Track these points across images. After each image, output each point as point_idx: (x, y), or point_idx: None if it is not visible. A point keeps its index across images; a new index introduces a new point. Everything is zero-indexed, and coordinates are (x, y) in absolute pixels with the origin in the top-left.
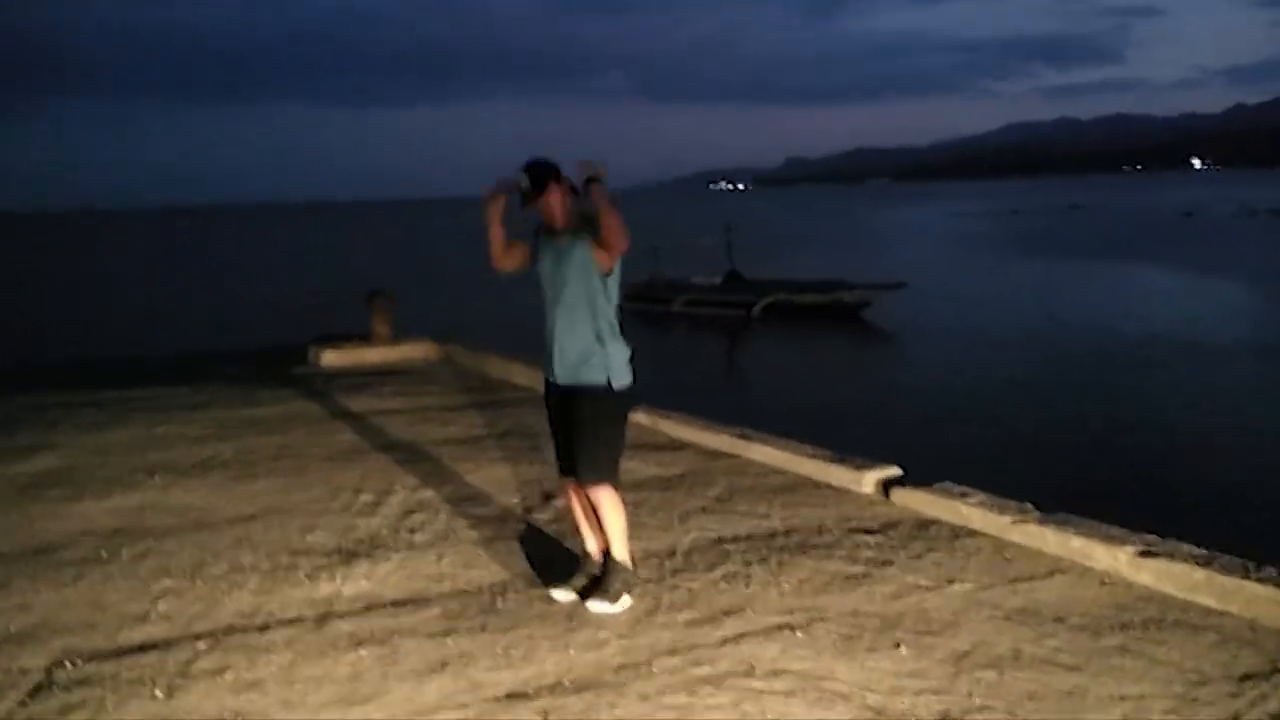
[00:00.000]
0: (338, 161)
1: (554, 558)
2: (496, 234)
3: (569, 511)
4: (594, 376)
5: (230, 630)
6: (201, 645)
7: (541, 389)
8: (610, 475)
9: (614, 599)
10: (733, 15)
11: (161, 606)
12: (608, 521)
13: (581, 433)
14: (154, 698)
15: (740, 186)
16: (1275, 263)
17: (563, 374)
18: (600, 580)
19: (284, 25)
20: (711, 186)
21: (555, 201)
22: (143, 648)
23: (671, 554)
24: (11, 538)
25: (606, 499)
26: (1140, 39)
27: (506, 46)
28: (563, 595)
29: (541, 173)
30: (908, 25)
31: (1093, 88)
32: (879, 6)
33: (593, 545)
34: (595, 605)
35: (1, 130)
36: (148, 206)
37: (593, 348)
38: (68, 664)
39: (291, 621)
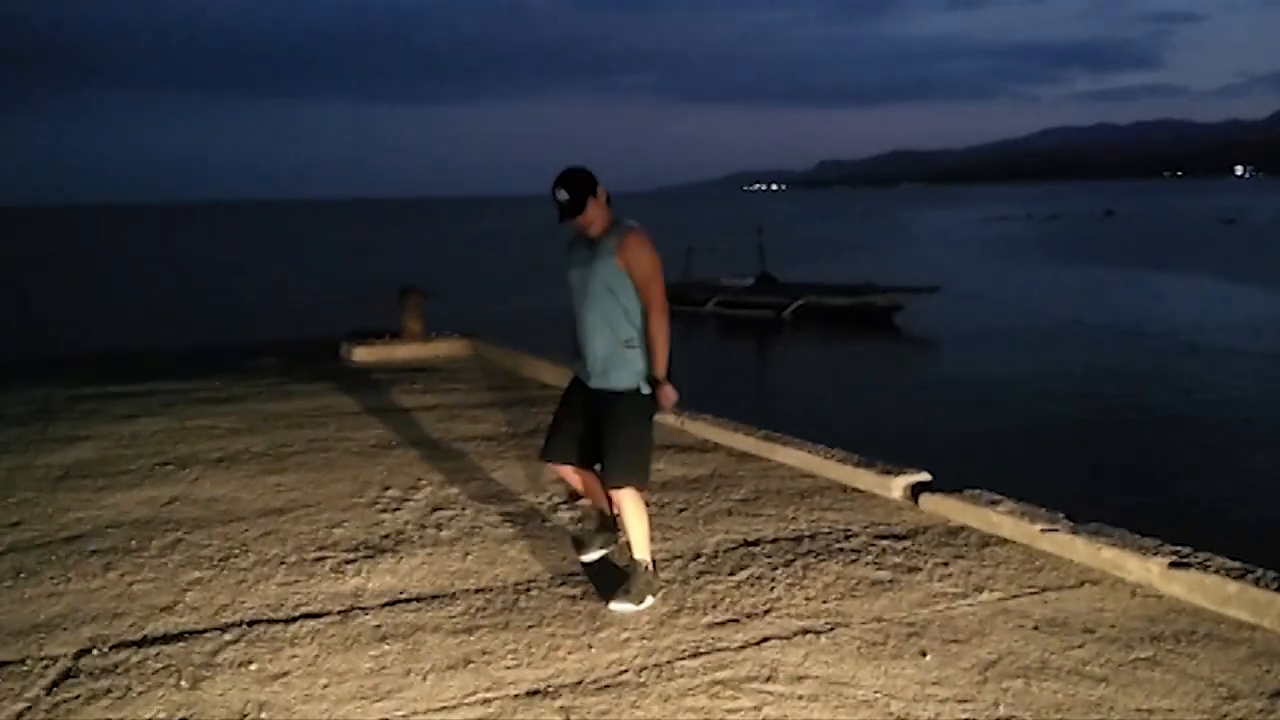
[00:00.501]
0: (369, 159)
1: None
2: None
3: (571, 493)
4: (625, 381)
5: (256, 622)
6: (227, 636)
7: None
8: (640, 478)
9: (638, 599)
10: (766, 15)
11: (189, 597)
12: (629, 523)
13: (613, 436)
14: (178, 688)
15: (775, 188)
16: None
17: (594, 377)
18: (623, 581)
19: (316, 22)
20: (746, 189)
21: (594, 216)
22: (169, 638)
23: (696, 555)
24: (44, 527)
25: (630, 501)
26: (1180, 44)
27: (537, 44)
28: (592, 556)
29: (582, 191)
30: (945, 29)
31: (1132, 93)
32: (916, 10)
33: (605, 506)
34: (618, 605)
35: (25, 122)
36: (182, 201)
37: (621, 353)
38: (94, 652)
39: (317, 615)
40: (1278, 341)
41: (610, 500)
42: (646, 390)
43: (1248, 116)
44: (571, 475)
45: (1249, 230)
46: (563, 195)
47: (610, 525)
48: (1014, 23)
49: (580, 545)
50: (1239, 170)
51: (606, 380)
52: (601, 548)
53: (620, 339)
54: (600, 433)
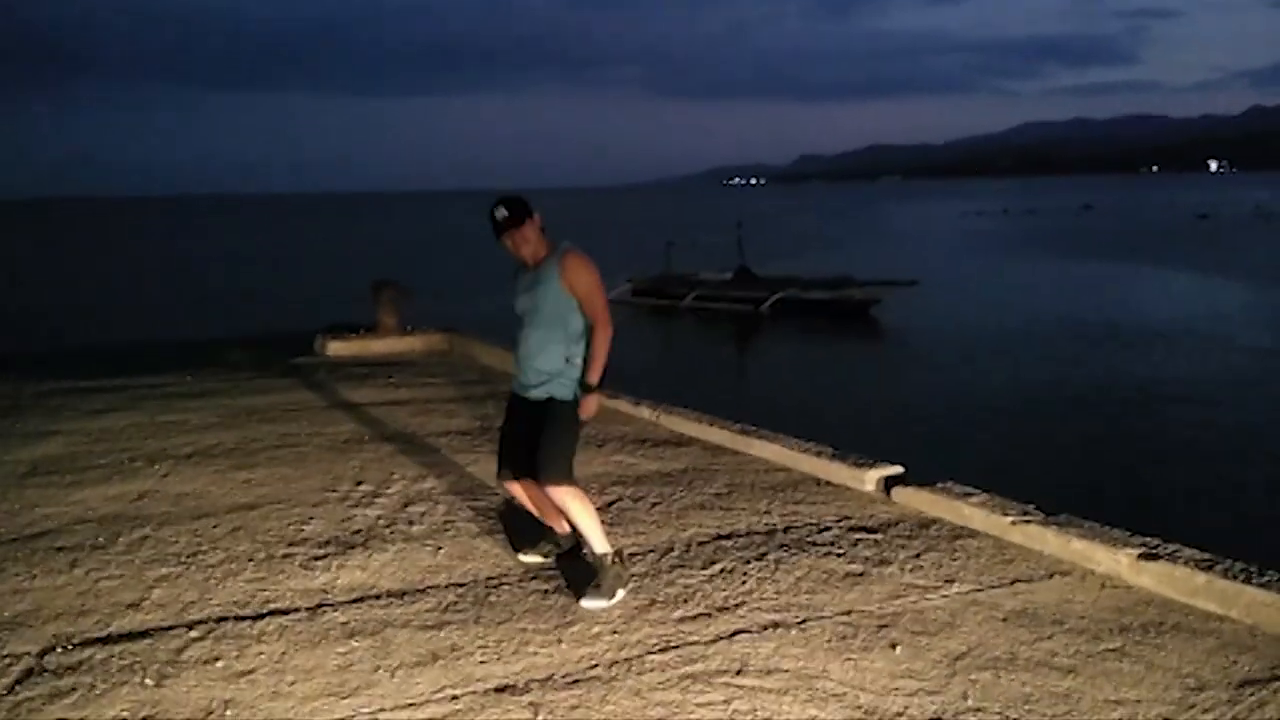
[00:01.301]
0: (349, 152)
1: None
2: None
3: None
4: (564, 393)
5: (223, 619)
6: (193, 634)
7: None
8: (570, 476)
9: (609, 594)
10: (746, 10)
11: (155, 594)
12: (579, 520)
13: (548, 436)
14: (143, 685)
15: (755, 182)
16: None
17: (533, 389)
18: (593, 576)
19: (296, 14)
20: (726, 183)
21: (530, 235)
22: (134, 635)
23: (669, 550)
24: (10, 523)
25: (572, 500)
26: (1156, 40)
27: (520, 37)
28: (530, 559)
29: (520, 211)
30: (924, 24)
31: (1108, 88)
32: (896, 5)
33: (555, 523)
34: (590, 602)
35: (9, 115)
36: (152, 195)
37: (564, 369)
38: (59, 650)
39: (285, 611)
40: (1249, 335)
41: (553, 511)
42: (574, 398)
43: (1223, 112)
44: (521, 491)
45: (1222, 225)
46: (502, 212)
47: (564, 541)
48: (992, 18)
49: (520, 545)
50: (1213, 165)
51: (546, 392)
52: (539, 554)
53: (564, 356)
54: (538, 438)
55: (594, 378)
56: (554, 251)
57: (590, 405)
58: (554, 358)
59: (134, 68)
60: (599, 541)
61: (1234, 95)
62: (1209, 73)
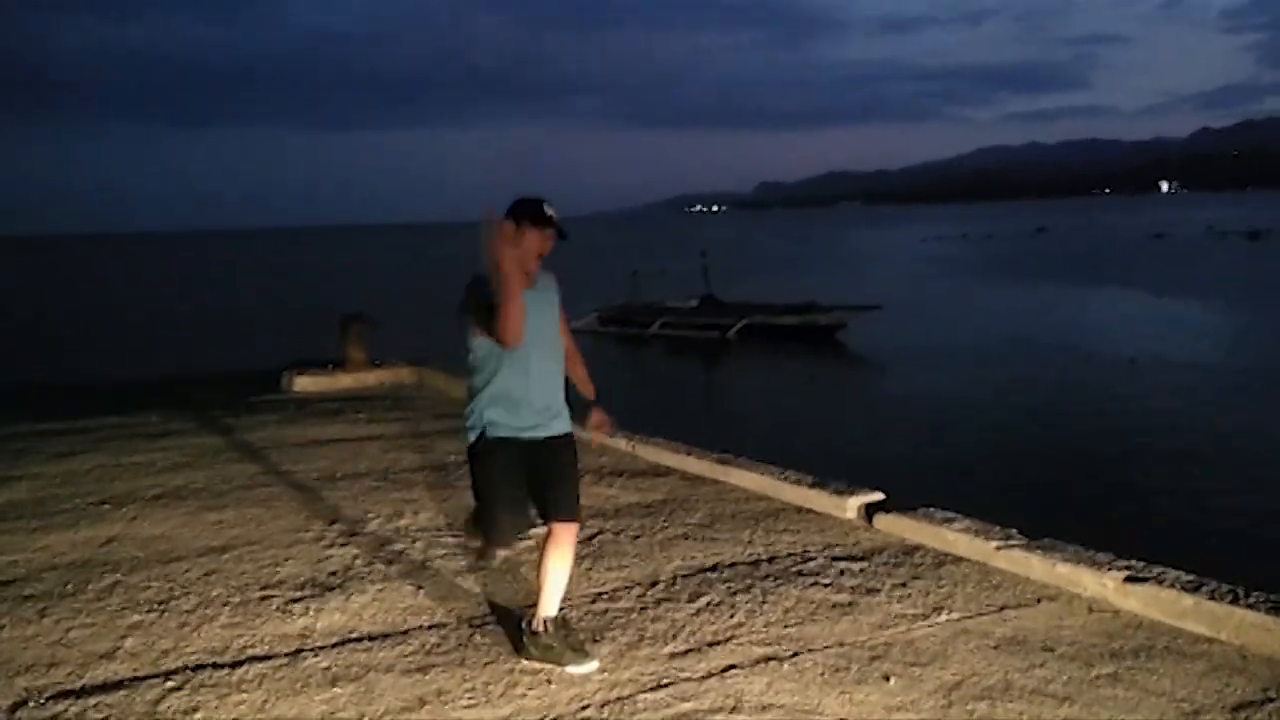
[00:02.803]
0: (312, 186)
1: (534, 589)
2: (517, 297)
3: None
4: (567, 425)
5: (200, 667)
6: (170, 683)
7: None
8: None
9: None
10: (705, 39)
11: (129, 643)
12: (569, 564)
13: (571, 473)
14: None
15: (716, 209)
16: (1246, 283)
17: (541, 427)
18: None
19: (258, 48)
20: (688, 210)
21: (546, 243)
22: (109, 686)
23: (654, 583)
24: None
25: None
26: (1105, 66)
27: (479, 71)
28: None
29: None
30: (880, 53)
31: (1061, 113)
32: (851, 34)
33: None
34: (578, 668)
35: None
36: (124, 231)
37: (562, 398)
38: (30, 704)
39: (264, 658)
40: (1214, 353)
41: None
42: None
43: (1172, 134)
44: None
45: (1177, 244)
46: (553, 211)
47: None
48: (946, 46)
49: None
50: (1164, 186)
51: (553, 428)
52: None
53: (563, 382)
54: (550, 476)
55: (593, 392)
56: (542, 268)
57: (602, 418)
58: (560, 387)
59: (90, 106)
60: (555, 601)
61: (1182, 118)
62: (1157, 97)
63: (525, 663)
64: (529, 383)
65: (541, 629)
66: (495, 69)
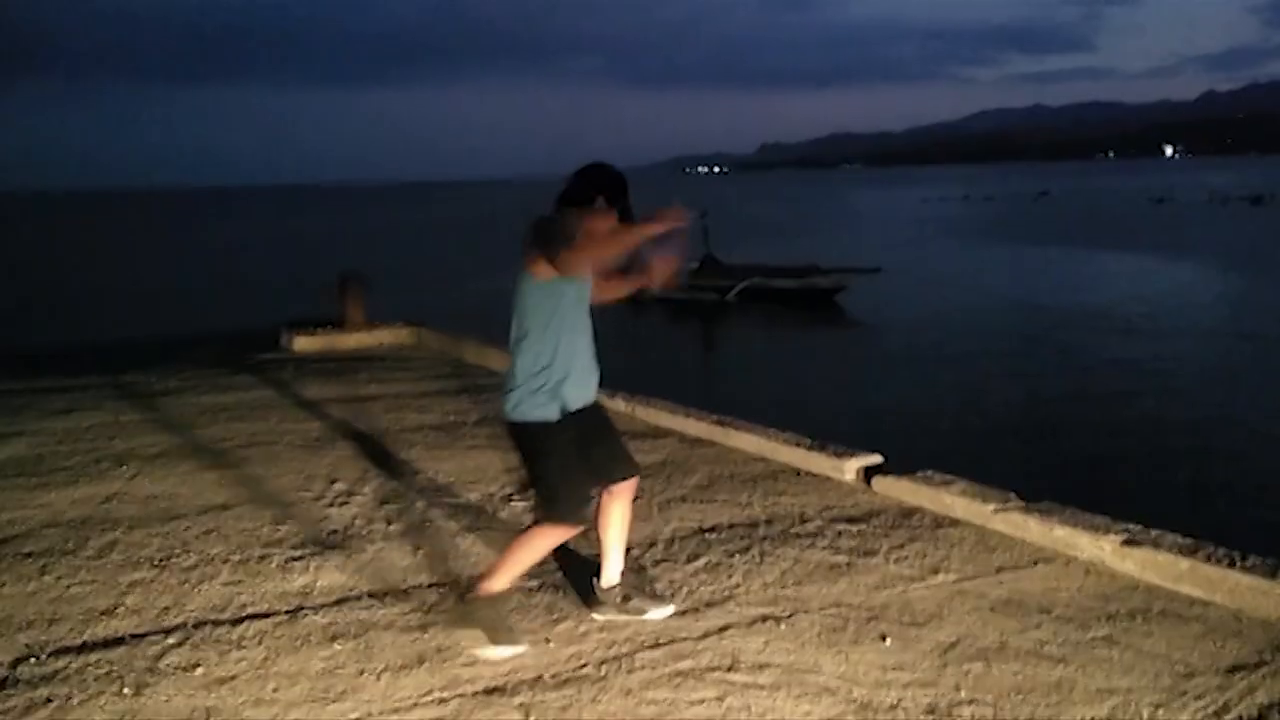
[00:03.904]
0: (308, 145)
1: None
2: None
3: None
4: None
5: (200, 624)
6: (171, 640)
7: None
8: None
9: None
10: None
11: (129, 600)
12: (631, 518)
13: (617, 433)
14: (121, 694)
15: (717, 171)
16: (1248, 249)
17: (589, 397)
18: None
19: (251, 4)
20: (688, 172)
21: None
22: (110, 643)
23: (652, 544)
24: None
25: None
26: (1112, 27)
27: (480, 28)
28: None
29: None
30: (883, 12)
31: (1065, 75)
32: None
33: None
34: (656, 611)
35: None
36: (121, 189)
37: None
38: (32, 660)
39: (264, 615)
40: (1215, 318)
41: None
42: None
43: (1177, 97)
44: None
45: (1179, 209)
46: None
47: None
48: (949, 6)
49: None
50: (1168, 150)
51: (592, 395)
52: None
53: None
54: (603, 436)
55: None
56: None
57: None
58: (594, 359)
59: (83, 64)
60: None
61: (1188, 81)
62: (1164, 59)
63: (599, 617)
64: (585, 354)
65: (620, 581)
66: (493, 27)
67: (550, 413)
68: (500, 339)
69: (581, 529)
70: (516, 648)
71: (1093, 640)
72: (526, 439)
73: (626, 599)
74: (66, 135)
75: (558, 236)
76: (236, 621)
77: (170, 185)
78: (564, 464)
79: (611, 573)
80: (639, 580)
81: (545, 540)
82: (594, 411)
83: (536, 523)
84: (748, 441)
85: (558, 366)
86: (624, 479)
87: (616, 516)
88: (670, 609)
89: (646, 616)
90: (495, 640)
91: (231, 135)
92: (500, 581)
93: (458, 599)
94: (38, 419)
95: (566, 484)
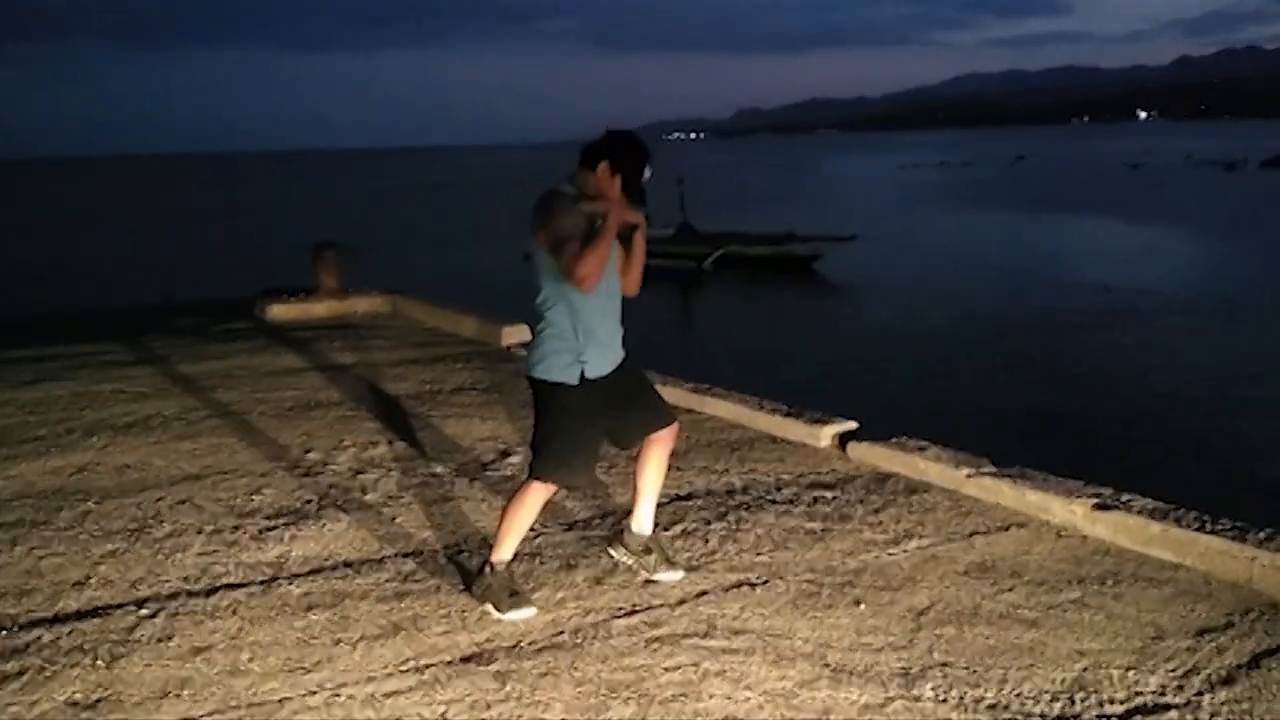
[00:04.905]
0: (286, 109)
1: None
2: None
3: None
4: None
5: (174, 595)
6: (144, 611)
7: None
8: None
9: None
10: None
11: (102, 571)
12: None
13: (649, 385)
14: (95, 666)
15: (694, 136)
16: (1222, 214)
17: (613, 363)
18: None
19: None
20: (665, 138)
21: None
22: (82, 614)
23: (628, 512)
24: None
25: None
26: None
27: None
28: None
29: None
30: None
31: (1041, 39)
32: None
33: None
34: (666, 575)
35: None
36: (96, 154)
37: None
38: (3, 632)
39: (238, 585)
40: (1189, 283)
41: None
42: None
43: (1152, 62)
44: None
45: (1153, 173)
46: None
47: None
48: None
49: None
50: (1142, 115)
51: (618, 358)
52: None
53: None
54: (637, 393)
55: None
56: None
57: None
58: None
59: (58, 28)
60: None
61: (1163, 45)
62: (1140, 23)
63: (614, 554)
64: (610, 319)
65: (650, 535)
66: None
67: (570, 376)
68: (476, 308)
69: (560, 489)
70: (528, 610)
71: (1064, 604)
72: (544, 395)
73: (648, 551)
74: (40, 102)
75: (558, 242)
76: (211, 592)
77: (152, 151)
78: (568, 426)
79: (643, 521)
80: (656, 542)
81: (533, 497)
82: (627, 370)
83: (524, 482)
84: (724, 409)
85: (580, 332)
86: (663, 427)
87: (653, 463)
88: (680, 574)
89: (655, 576)
90: (510, 606)
91: (207, 101)
92: (505, 550)
93: (477, 572)
94: (6, 390)
95: (560, 444)
